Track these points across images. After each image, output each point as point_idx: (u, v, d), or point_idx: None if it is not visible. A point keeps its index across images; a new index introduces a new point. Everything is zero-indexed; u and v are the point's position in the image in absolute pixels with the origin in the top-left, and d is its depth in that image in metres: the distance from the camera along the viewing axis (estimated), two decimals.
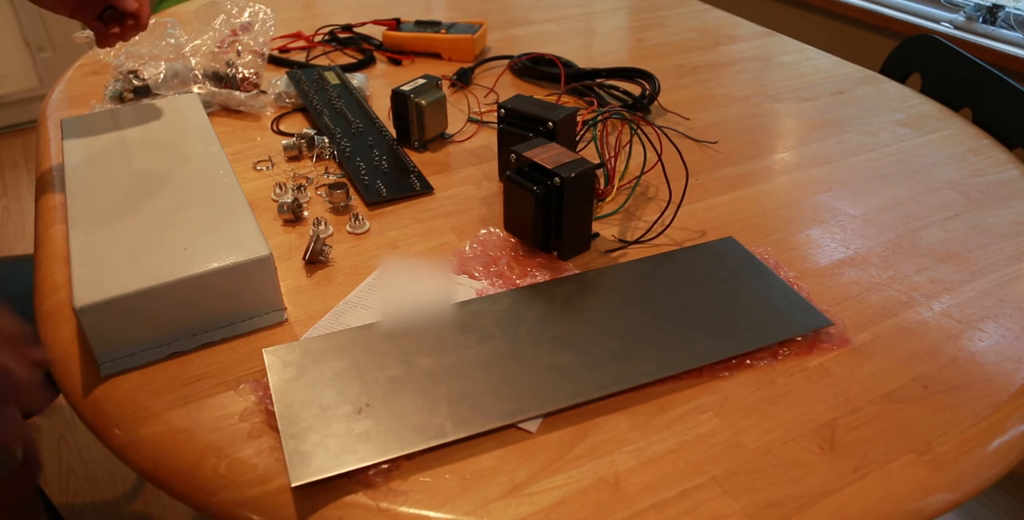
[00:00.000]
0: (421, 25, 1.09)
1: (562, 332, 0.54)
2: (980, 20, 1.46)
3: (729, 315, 0.56)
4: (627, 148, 0.79)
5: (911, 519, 0.45)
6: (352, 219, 0.69)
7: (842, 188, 0.76)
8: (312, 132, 0.81)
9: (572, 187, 0.60)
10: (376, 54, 1.09)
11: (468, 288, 0.60)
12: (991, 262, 0.65)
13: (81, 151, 0.69)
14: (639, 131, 0.75)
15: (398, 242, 0.68)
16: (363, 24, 1.15)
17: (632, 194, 0.75)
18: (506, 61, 1.06)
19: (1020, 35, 1.40)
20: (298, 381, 0.50)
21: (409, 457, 0.47)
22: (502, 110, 0.71)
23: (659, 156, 0.72)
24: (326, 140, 0.81)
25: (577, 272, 0.62)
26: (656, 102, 0.93)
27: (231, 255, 0.54)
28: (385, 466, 0.46)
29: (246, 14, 0.96)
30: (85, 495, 1.30)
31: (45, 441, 1.39)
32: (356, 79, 0.96)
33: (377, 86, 0.99)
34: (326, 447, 0.46)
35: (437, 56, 1.08)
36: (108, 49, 1.00)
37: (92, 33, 0.74)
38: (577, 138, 0.73)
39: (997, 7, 1.44)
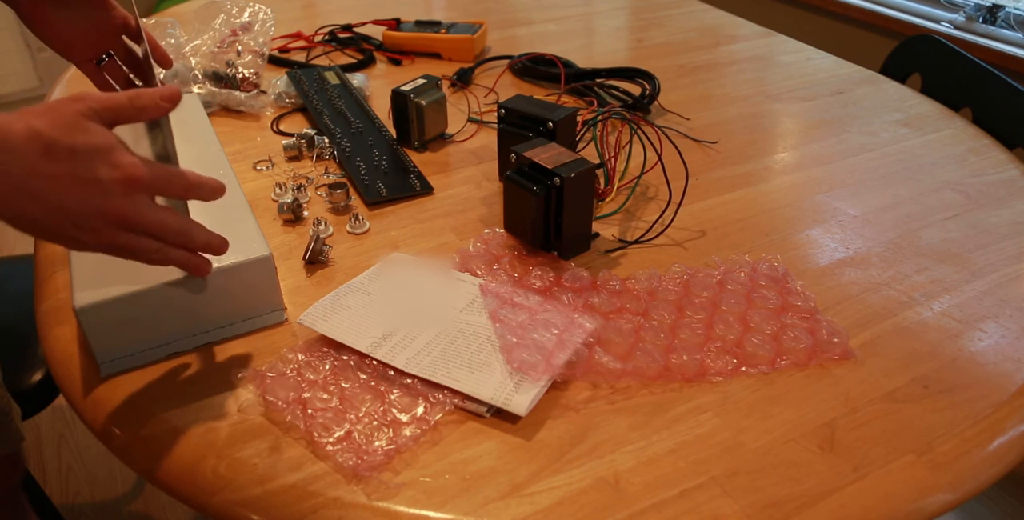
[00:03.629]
0: (421, 25, 1.09)
1: None
2: (980, 20, 1.46)
3: None
4: (627, 148, 0.79)
5: (911, 519, 0.45)
6: (352, 219, 0.69)
7: (842, 188, 0.76)
8: (312, 132, 0.81)
9: (572, 187, 0.60)
10: (376, 54, 1.09)
11: (470, 284, 0.60)
12: (991, 262, 0.65)
13: None
14: (639, 131, 0.75)
15: (398, 242, 0.68)
16: (363, 24, 1.15)
17: (632, 194, 0.75)
18: (506, 61, 1.06)
19: (1020, 35, 1.40)
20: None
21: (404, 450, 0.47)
22: (502, 110, 0.71)
23: (659, 156, 0.72)
24: (326, 140, 0.81)
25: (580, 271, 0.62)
26: (656, 102, 0.93)
27: (231, 255, 0.54)
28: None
29: (246, 14, 0.96)
30: (85, 495, 1.30)
31: (45, 441, 1.39)
32: (356, 79, 0.96)
33: (377, 86, 0.99)
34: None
35: (437, 56, 1.08)
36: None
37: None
38: (577, 138, 0.73)
39: (997, 7, 1.44)
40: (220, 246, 0.50)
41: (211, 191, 0.48)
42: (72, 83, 0.99)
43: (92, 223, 0.43)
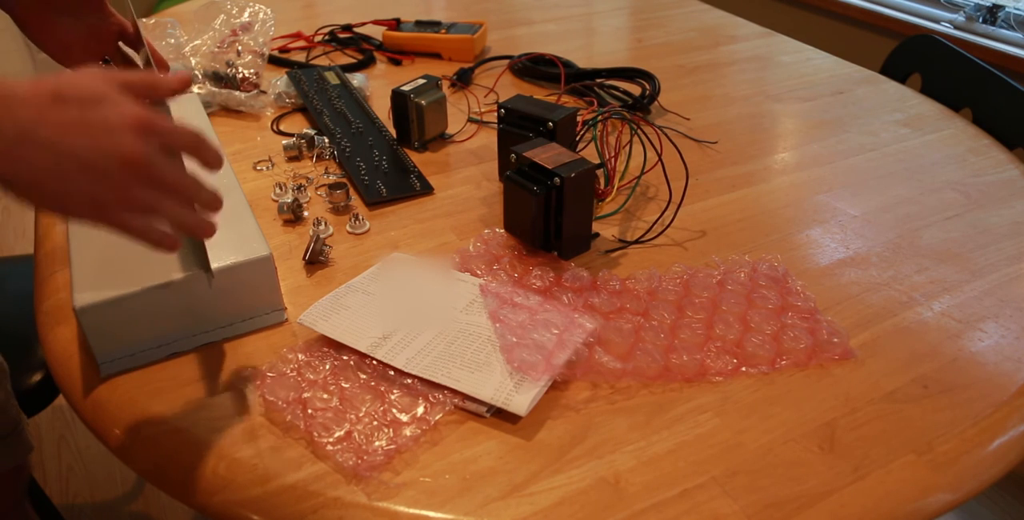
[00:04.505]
0: (421, 25, 1.09)
1: None
2: (980, 20, 1.46)
3: None
4: (627, 148, 0.79)
5: (911, 519, 0.45)
6: (352, 219, 0.69)
7: (842, 188, 0.76)
8: (312, 132, 0.81)
9: (572, 187, 0.60)
10: (376, 54, 1.09)
11: (470, 284, 0.60)
12: (991, 262, 0.65)
13: None
14: (639, 131, 0.75)
15: (398, 242, 0.68)
16: (363, 24, 1.15)
17: (632, 194, 0.75)
18: (506, 61, 1.06)
19: (1020, 35, 1.40)
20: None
21: (405, 450, 0.47)
22: (502, 110, 0.71)
23: (659, 156, 0.72)
24: (326, 140, 0.81)
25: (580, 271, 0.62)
26: (656, 102, 0.93)
27: (231, 255, 0.54)
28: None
29: (246, 14, 0.96)
30: (85, 495, 1.30)
31: (45, 441, 1.39)
32: (356, 79, 0.96)
33: (377, 86, 0.99)
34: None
35: (437, 56, 1.08)
36: None
37: None
38: (577, 138, 0.73)
39: (997, 7, 1.44)
40: (218, 202, 0.48)
41: (214, 156, 0.47)
42: None
43: (105, 166, 0.41)
